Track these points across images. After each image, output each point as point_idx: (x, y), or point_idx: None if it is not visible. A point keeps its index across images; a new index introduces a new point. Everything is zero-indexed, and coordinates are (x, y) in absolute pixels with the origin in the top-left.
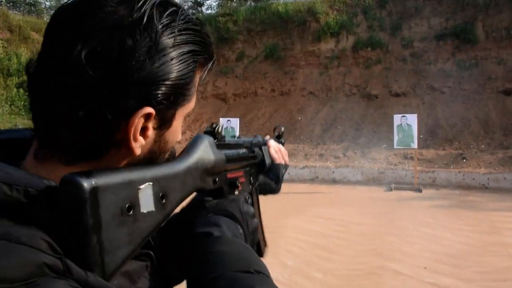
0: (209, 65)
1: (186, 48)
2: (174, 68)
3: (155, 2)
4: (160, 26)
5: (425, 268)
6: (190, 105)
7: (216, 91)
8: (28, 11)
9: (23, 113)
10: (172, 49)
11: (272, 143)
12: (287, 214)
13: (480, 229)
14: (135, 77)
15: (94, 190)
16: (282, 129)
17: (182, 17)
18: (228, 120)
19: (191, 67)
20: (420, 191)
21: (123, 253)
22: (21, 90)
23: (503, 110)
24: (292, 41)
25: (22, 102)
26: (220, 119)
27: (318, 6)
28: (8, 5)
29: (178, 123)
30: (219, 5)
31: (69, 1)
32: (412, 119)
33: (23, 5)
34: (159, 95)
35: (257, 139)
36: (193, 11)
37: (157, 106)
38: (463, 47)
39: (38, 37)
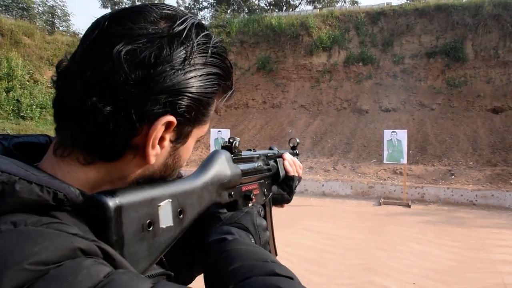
0: (228, 93)
1: (213, 70)
2: (201, 84)
3: (193, 22)
4: (195, 43)
5: (414, 283)
6: (204, 128)
7: None
8: (21, 15)
9: (11, 118)
10: (202, 67)
11: (287, 157)
12: (276, 226)
13: (468, 245)
14: (166, 82)
15: (118, 209)
16: (297, 140)
17: (214, 42)
18: (219, 131)
19: (214, 88)
20: (409, 206)
21: (143, 265)
22: (10, 95)
23: (491, 128)
24: (284, 54)
25: (11, 107)
26: (211, 129)
27: (311, 21)
28: (0, 8)
29: (191, 142)
30: (212, 16)
31: (118, 9)
32: (402, 135)
33: (15, 9)
34: (183, 106)
35: (272, 152)
36: None
37: (179, 117)
38: (453, 65)
39: (29, 42)
